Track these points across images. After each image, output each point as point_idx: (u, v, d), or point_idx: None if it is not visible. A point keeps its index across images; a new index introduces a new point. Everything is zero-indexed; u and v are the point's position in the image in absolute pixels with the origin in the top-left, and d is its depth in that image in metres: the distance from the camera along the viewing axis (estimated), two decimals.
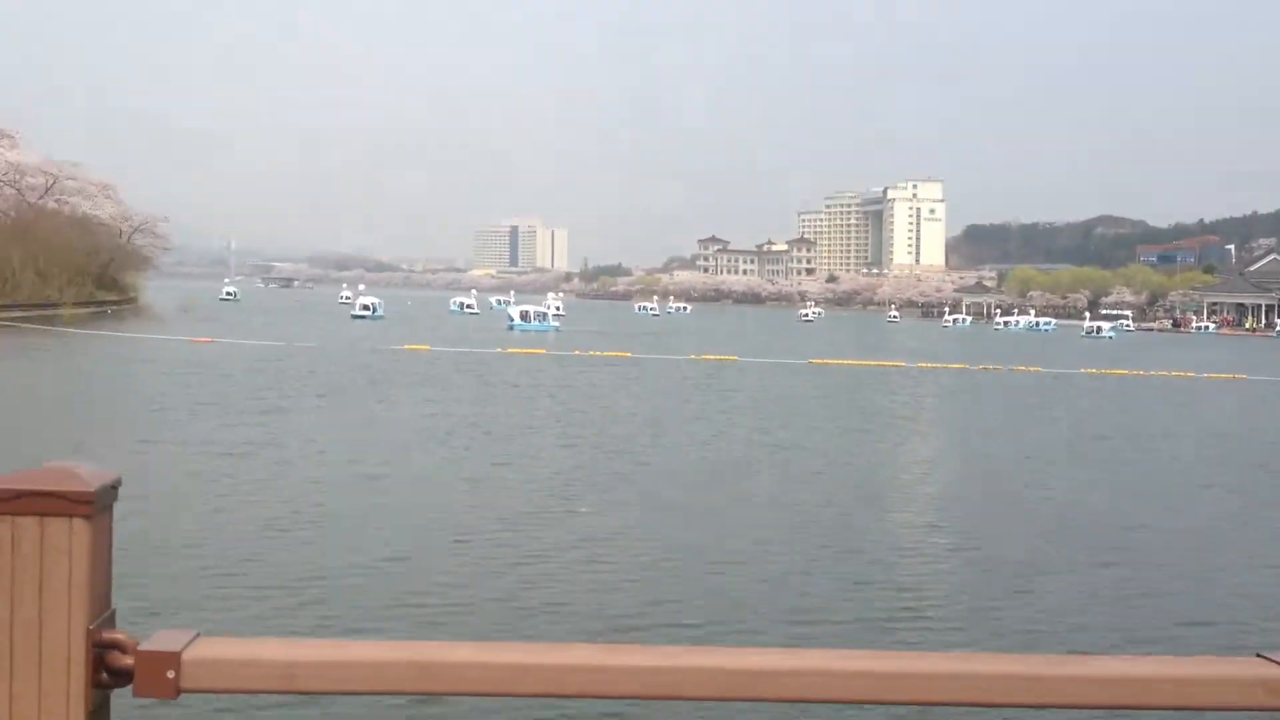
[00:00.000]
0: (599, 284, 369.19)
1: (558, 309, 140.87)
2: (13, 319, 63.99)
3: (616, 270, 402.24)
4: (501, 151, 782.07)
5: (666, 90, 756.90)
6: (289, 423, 27.59)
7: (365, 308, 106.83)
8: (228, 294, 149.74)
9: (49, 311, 70.26)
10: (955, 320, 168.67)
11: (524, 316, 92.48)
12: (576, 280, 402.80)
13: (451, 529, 16.51)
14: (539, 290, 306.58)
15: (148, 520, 15.45)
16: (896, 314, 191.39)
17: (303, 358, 50.85)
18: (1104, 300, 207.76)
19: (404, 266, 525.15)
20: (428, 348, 61.59)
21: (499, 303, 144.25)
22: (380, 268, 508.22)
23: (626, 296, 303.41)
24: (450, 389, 38.53)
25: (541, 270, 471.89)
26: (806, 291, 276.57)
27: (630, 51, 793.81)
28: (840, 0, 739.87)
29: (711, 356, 63.16)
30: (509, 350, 62.26)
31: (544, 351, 61.79)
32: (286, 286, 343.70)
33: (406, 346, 61.46)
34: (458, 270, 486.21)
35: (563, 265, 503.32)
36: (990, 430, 33.07)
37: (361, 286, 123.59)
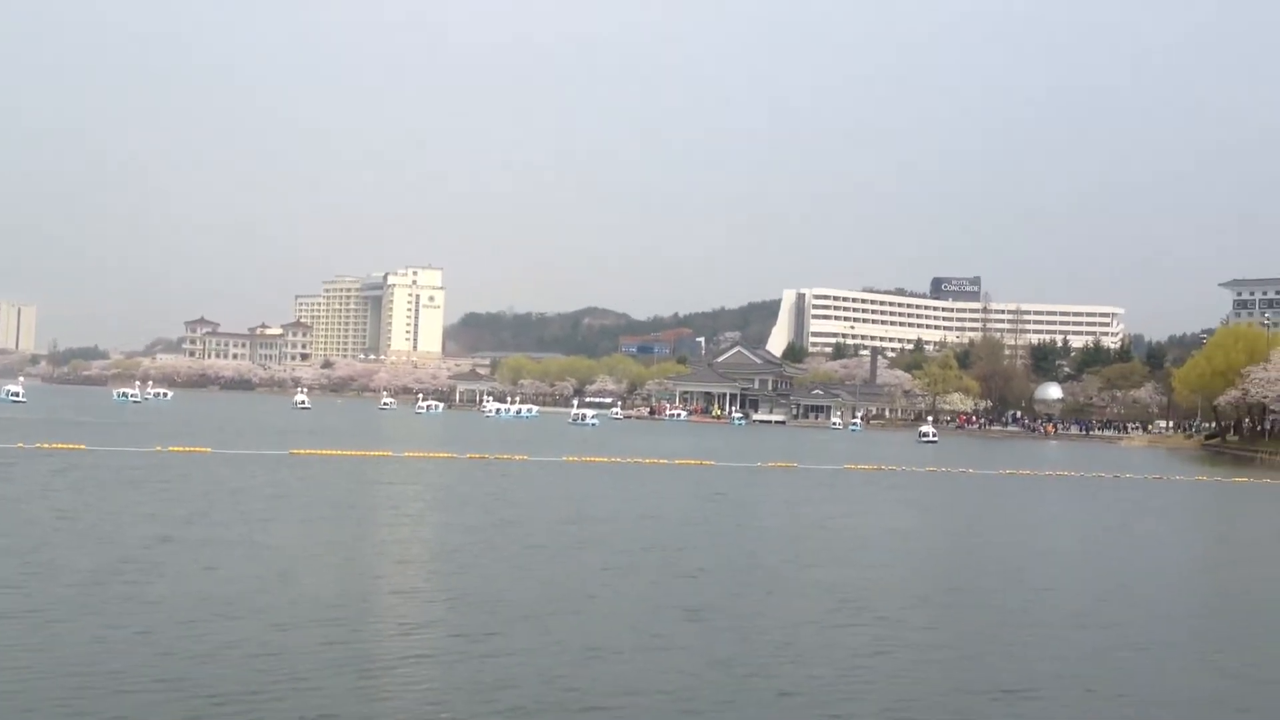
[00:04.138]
0: (70, 367, 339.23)
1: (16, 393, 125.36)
2: None
3: (92, 353, 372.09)
4: None
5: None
6: None
7: None
8: None
9: None
10: (429, 407, 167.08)
11: None
12: (44, 364, 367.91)
13: None
14: (1, 374, 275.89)
15: None
16: (391, 401, 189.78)
17: None
18: (588, 388, 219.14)
19: None
20: None
21: None
22: None
23: (102, 381, 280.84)
24: None
25: (4, 352, 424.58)
26: (300, 377, 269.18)
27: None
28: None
29: (182, 448, 58.12)
30: None
31: None
32: None
33: None
34: None
35: (29, 346, 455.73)
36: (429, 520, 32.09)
37: None
